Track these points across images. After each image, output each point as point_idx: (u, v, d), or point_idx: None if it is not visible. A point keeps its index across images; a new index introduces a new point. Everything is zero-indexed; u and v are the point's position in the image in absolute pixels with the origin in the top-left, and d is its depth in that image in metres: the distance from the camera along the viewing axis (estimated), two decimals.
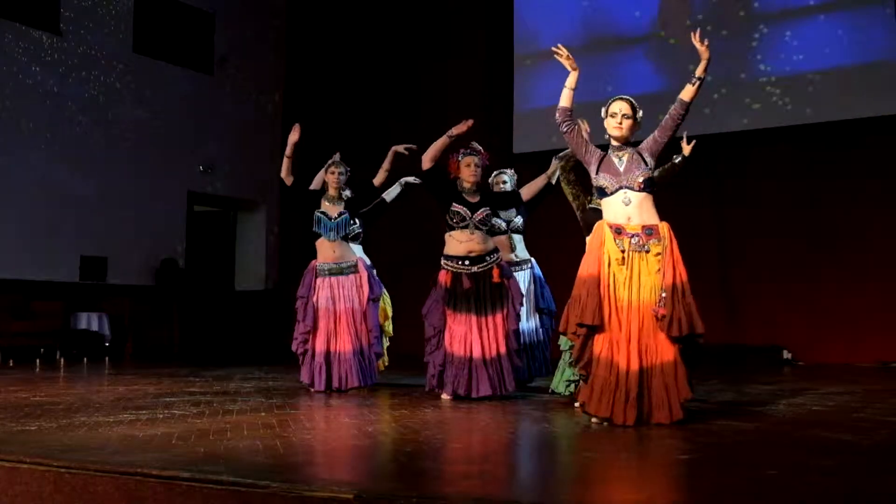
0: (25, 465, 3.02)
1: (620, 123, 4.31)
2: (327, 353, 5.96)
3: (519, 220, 6.28)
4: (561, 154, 5.62)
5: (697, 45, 4.28)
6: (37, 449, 3.31)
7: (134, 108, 11.34)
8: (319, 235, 6.07)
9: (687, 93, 4.28)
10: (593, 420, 4.19)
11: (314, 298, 6.03)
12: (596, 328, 4.16)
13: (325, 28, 12.93)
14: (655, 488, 2.92)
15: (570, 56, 4.48)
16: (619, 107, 4.33)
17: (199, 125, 12.06)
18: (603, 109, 4.38)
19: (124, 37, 11.34)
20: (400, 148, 6.21)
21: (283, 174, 6.12)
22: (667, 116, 4.33)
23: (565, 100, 4.45)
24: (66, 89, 10.69)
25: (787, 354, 9.31)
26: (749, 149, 9.81)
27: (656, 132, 4.35)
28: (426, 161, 5.52)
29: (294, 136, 6.07)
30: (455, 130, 5.52)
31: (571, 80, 4.46)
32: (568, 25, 10.71)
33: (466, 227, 5.48)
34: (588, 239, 4.46)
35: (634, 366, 4.08)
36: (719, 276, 9.76)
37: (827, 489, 2.73)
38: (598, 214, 4.51)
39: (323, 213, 6.06)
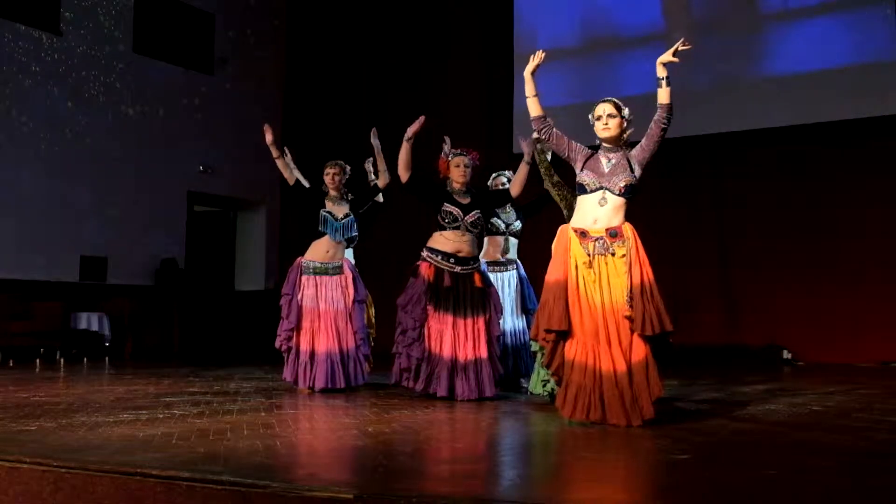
0: (25, 465, 3.02)
1: (607, 124, 4.32)
2: (312, 352, 5.95)
3: (518, 225, 6.28)
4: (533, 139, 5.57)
5: (672, 52, 4.26)
6: (37, 449, 3.31)
7: (134, 108, 11.34)
8: (323, 234, 6.06)
9: (662, 96, 4.28)
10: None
11: (298, 296, 6.02)
12: (564, 333, 4.16)
13: (325, 28, 12.93)
14: (653, 488, 2.92)
15: (538, 66, 4.48)
16: (603, 108, 4.35)
17: (199, 125, 12.06)
18: (589, 116, 4.39)
19: (124, 37, 11.34)
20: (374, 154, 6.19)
21: (284, 175, 6.13)
22: (651, 124, 4.31)
23: (534, 109, 4.47)
24: (66, 89, 10.70)
25: (787, 354, 9.31)
26: (749, 149, 9.81)
27: (643, 140, 4.33)
28: (402, 174, 5.47)
29: (268, 137, 6.04)
30: (410, 132, 5.47)
31: (530, 89, 4.47)
32: (568, 25, 10.69)
33: (458, 227, 5.47)
34: (553, 245, 4.44)
35: (621, 367, 4.05)
36: (719, 276, 9.77)
37: (827, 489, 2.73)
38: None
39: (329, 212, 6.06)
